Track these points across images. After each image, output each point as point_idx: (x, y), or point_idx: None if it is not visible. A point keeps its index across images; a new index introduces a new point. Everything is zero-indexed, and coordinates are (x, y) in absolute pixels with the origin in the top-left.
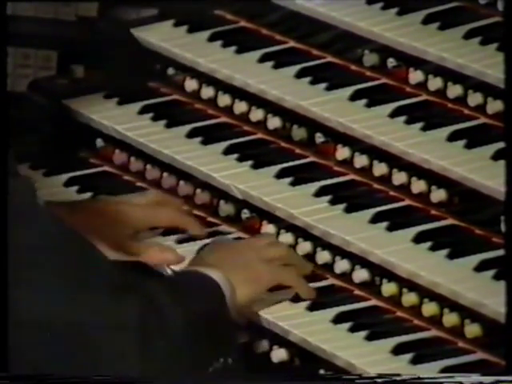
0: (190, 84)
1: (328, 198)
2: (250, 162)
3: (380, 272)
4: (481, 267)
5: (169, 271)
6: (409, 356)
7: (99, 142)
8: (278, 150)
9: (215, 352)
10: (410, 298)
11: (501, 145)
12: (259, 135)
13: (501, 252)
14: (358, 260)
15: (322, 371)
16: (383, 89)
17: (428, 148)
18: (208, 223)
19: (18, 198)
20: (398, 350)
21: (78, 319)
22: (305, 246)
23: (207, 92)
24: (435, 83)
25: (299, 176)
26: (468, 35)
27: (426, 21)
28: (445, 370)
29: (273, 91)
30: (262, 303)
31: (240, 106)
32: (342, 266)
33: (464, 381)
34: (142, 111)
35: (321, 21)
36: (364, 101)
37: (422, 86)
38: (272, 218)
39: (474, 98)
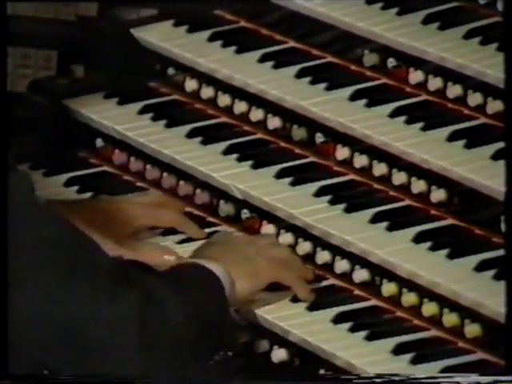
0: (190, 84)
1: (328, 198)
2: (249, 162)
3: (380, 272)
4: (481, 267)
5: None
6: (409, 356)
7: (99, 142)
8: (277, 149)
9: (215, 345)
10: (409, 298)
11: (501, 145)
12: (259, 135)
13: (501, 252)
14: (357, 260)
15: (322, 371)
16: (383, 89)
17: (428, 148)
18: (208, 223)
19: (16, 192)
20: (398, 350)
21: (77, 315)
22: (305, 246)
23: (207, 92)
24: (435, 83)
25: (299, 176)
26: (468, 35)
27: (426, 21)
28: (445, 370)
29: (273, 91)
30: (260, 303)
31: (240, 106)
32: (341, 265)
33: (462, 381)
34: (142, 111)
35: (321, 21)
36: (364, 101)
37: (422, 86)
38: (272, 218)
39: (474, 98)
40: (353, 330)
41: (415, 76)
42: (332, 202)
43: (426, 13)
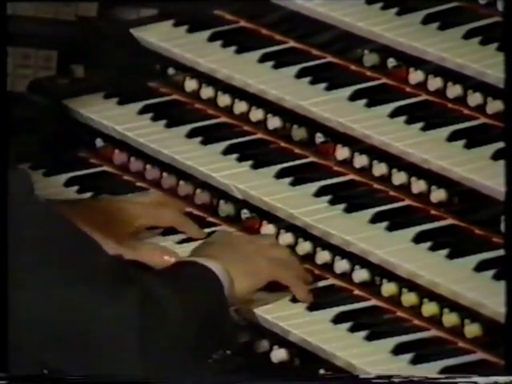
0: (190, 84)
1: (328, 198)
2: (249, 162)
3: (380, 272)
4: (481, 267)
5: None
6: (409, 356)
7: (99, 142)
8: (277, 149)
9: (214, 344)
10: (409, 298)
11: (501, 145)
12: (259, 135)
13: (501, 252)
14: (357, 260)
15: (322, 371)
16: (383, 89)
17: (428, 148)
18: (208, 223)
19: (16, 191)
20: (398, 350)
21: (77, 313)
22: (305, 246)
23: (207, 92)
24: (435, 83)
25: (299, 176)
26: (468, 35)
27: (426, 21)
28: (445, 370)
29: (273, 91)
30: (259, 302)
31: (240, 106)
32: (341, 266)
33: (462, 381)
34: (142, 111)
35: (321, 21)
36: (364, 101)
37: (422, 86)
38: (272, 218)
39: (474, 98)
40: (353, 329)
41: (415, 76)
42: (332, 202)
43: (426, 13)
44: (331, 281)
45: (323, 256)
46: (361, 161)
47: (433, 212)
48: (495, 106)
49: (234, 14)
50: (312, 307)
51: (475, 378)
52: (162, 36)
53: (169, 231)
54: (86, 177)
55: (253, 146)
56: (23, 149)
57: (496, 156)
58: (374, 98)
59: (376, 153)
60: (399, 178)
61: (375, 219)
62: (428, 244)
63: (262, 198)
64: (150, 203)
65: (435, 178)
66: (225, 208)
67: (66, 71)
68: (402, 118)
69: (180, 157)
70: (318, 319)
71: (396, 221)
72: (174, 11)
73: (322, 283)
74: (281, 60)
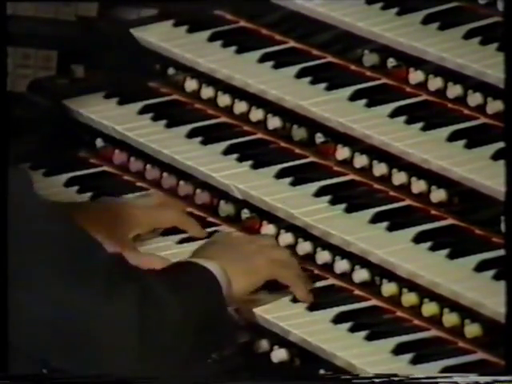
0: (190, 84)
1: (328, 198)
2: (249, 162)
3: (380, 272)
4: (481, 267)
5: None
6: (409, 356)
7: (99, 142)
8: (277, 149)
9: (212, 344)
10: (409, 298)
11: (501, 145)
12: (259, 135)
13: (501, 252)
14: (357, 260)
15: (322, 371)
16: (383, 89)
17: (428, 148)
18: (208, 223)
19: (15, 191)
20: (398, 350)
21: (76, 313)
22: (305, 246)
23: (207, 92)
24: (435, 83)
25: (299, 176)
26: (468, 35)
27: (426, 21)
28: (445, 370)
29: (273, 91)
30: (258, 302)
31: (240, 106)
32: (341, 266)
33: (461, 381)
34: (142, 111)
35: (321, 21)
36: (364, 101)
37: (422, 86)
38: (272, 218)
39: (474, 98)
40: (353, 329)
41: (415, 76)
42: (332, 202)
43: (426, 13)
44: (331, 281)
45: (323, 256)
46: (361, 161)
47: (433, 212)
48: (495, 106)
49: (234, 14)
50: (312, 307)
51: (475, 378)
52: (161, 36)
53: (169, 231)
54: (86, 177)
55: (253, 146)
56: (23, 149)
57: (496, 156)
58: (374, 97)
59: (376, 153)
60: (399, 178)
61: (375, 219)
62: (428, 244)
63: (262, 197)
64: (151, 206)
65: (435, 178)
66: (225, 208)
67: (66, 71)
68: (402, 118)
69: (180, 157)
70: (318, 319)
71: (396, 221)
72: (174, 11)
73: (321, 283)
74: (281, 60)
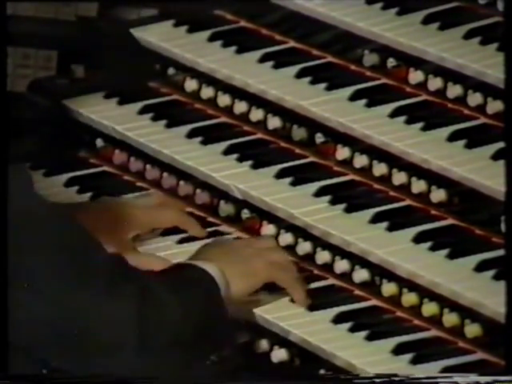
0: (190, 84)
1: (328, 198)
2: (249, 162)
3: (380, 272)
4: (481, 267)
5: None
6: (409, 356)
7: (99, 142)
8: (277, 149)
9: (211, 345)
10: (409, 298)
11: (501, 145)
12: (259, 135)
13: (501, 252)
14: (357, 260)
15: (322, 371)
16: (383, 89)
17: (428, 148)
18: (208, 223)
19: (15, 191)
20: (398, 350)
21: (76, 313)
22: (305, 246)
23: (207, 92)
24: (435, 83)
25: (299, 176)
26: (468, 35)
27: (426, 21)
28: (445, 370)
29: (273, 91)
30: (257, 303)
31: (240, 106)
32: (341, 266)
33: (461, 381)
34: (142, 111)
35: (321, 21)
36: (364, 101)
37: (422, 86)
38: (272, 218)
39: (474, 98)
40: (353, 330)
41: (415, 76)
42: (332, 202)
43: (426, 13)
44: (331, 281)
45: (323, 256)
46: (361, 161)
47: (433, 212)
48: (495, 106)
49: (234, 14)
50: (312, 307)
51: (475, 378)
52: (162, 36)
53: (169, 231)
54: (86, 177)
55: (253, 146)
56: (23, 149)
57: (496, 156)
58: (374, 97)
59: (376, 153)
60: (399, 178)
61: (375, 219)
62: (428, 244)
63: (262, 198)
64: (151, 207)
65: (435, 178)
66: (225, 208)
67: (66, 71)
68: (402, 118)
69: (180, 157)
70: (318, 319)
71: (396, 221)
72: (174, 11)
73: (322, 283)
74: (281, 60)
